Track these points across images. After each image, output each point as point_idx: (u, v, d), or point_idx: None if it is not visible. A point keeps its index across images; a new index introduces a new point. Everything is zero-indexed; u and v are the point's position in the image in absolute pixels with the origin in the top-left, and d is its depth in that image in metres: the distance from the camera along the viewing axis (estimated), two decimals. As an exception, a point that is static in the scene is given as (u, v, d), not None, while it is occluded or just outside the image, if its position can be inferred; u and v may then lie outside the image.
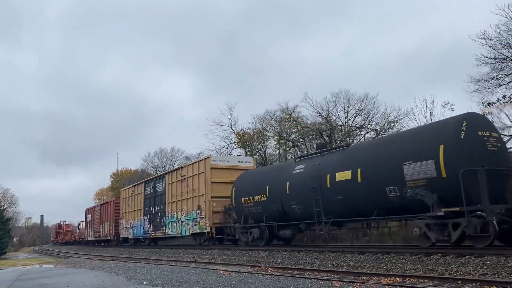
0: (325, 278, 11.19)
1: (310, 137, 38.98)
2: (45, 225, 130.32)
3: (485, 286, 8.64)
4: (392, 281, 10.09)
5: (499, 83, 23.52)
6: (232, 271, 13.95)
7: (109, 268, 18.22)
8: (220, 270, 14.65)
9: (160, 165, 63.18)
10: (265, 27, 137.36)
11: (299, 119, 40.02)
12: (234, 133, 44.05)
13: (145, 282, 12.57)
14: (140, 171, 68.80)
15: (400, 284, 9.59)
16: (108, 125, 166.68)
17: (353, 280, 10.44)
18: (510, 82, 23.28)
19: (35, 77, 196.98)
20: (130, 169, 79.77)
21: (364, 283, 9.97)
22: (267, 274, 12.72)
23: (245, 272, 13.54)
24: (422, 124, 29.44)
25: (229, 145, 44.31)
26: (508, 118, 22.76)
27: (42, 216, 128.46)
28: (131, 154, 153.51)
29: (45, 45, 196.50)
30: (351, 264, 13.76)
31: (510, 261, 10.87)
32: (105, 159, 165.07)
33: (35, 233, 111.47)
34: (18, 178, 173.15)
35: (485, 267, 10.78)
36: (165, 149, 63.38)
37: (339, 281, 10.49)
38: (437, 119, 29.59)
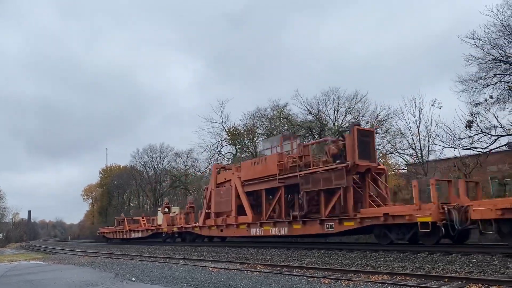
0: (314, 275, 11.24)
1: (300, 134, 39.03)
2: (32, 221, 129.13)
3: (471, 284, 8.75)
4: (380, 278, 10.17)
5: (486, 83, 23.78)
6: (221, 268, 13.96)
7: (97, 265, 18.12)
8: (209, 267, 14.64)
9: (149, 161, 62.79)
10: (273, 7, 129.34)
11: (290, 117, 40.07)
12: (225, 130, 44.00)
13: (133, 279, 12.52)
14: (129, 168, 68.34)
15: (387, 281, 9.67)
16: (101, 113, 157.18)
17: (341, 278, 10.49)
18: (497, 82, 23.55)
19: (21, 59, 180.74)
20: (119, 165, 79.19)
21: (352, 280, 10.03)
22: (256, 271, 12.74)
23: (234, 269, 13.55)
24: (411, 123, 29.69)
25: (220, 142, 44.27)
26: (496, 118, 23.03)
27: (29, 212, 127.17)
28: (120, 150, 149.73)
29: (34, 24, 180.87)
30: (340, 261, 13.84)
31: (495, 259, 11.05)
32: (94, 153, 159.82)
33: (22, 229, 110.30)
34: (3, 170, 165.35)
35: (471, 265, 10.93)
36: (154, 145, 62.94)
37: (327, 278, 10.55)
38: (426, 118, 29.88)
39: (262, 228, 20.73)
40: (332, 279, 10.43)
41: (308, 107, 37.84)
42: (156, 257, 20.96)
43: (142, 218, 39.20)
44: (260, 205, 22.07)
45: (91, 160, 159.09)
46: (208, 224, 25.21)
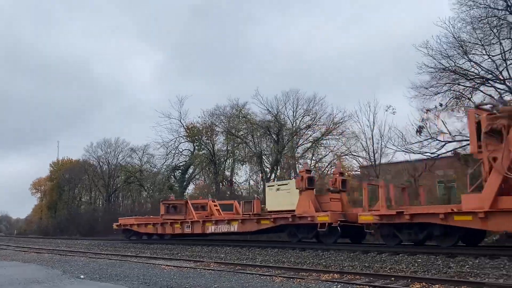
0: (267, 273, 11.36)
1: (258, 134, 39.33)
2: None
3: (416, 282, 9.15)
4: (330, 277, 10.43)
5: (437, 91, 24.90)
6: (173, 266, 13.82)
7: (44, 261, 17.43)
8: (161, 264, 14.46)
9: (103, 156, 61.01)
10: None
11: (249, 116, 40.26)
12: (183, 126, 43.57)
13: (82, 276, 12.16)
14: (82, 162, 66.15)
15: (337, 280, 9.93)
16: (53, 103, 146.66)
17: (293, 276, 10.67)
18: (447, 91, 24.73)
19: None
20: (71, 159, 76.35)
21: (303, 279, 10.22)
22: (209, 269, 12.72)
23: (187, 267, 13.46)
24: (366, 127, 30.53)
25: (177, 138, 43.79)
26: (444, 124, 24.15)
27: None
28: (73, 143, 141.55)
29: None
30: (292, 260, 14.07)
31: (439, 259, 11.63)
32: (45, 145, 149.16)
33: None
34: None
35: (416, 264, 11.45)
36: (109, 139, 61.14)
37: (280, 276, 10.70)
38: (379, 122, 30.85)
39: None
40: (284, 277, 10.59)
41: (267, 107, 38.21)
42: (107, 254, 20.43)
43: (213, 202, 25.35)
44: None
45: (41, 152, 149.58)
46: None
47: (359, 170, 33.82)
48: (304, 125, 38.36)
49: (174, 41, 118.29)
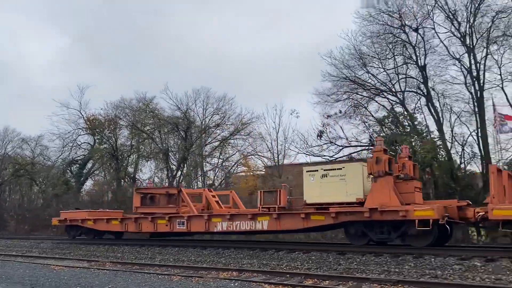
0: (165, 273, 11.18)
1: (166, 130, 38.50)
2: None
3: (308, 279, 9.66)
4: (229, 275, 10.57)
5: (337, 99, 26.52)
6: (65, 266, 12.98)
7: None
8: (51, 265, 13.49)
9: (-12, 145, 55.10)
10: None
11: (156, 111, 39.20)
12: (83, 118, 41.01)
13: (-46, 279, 10.89)
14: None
15: (236, 278, 10.10)
16: None
17: (192, 275, 10.63)
18: (346, 99, 26.47)
19: None
20: (-50, 147, 67.90)
21: (202, 277, 10.23)
22: (105, 269, 12.17)
23: (80, 267, 12.73)
24: (271, 128, 31.47)
25: (76, 130, 41.12)
26: (342, 130, 25.84)
27: None
28: None
29: None
30: (193, 258, 14.02)
31: (330, 256, 12.38)
32: None
33: None
34: None
35: (310, 262, 12.07)
36: (-4, 128, 55.40)
37: (178, 275, 10.59)
38: (284, 125, 32.06)
39: None
40: (182, 276, 10.51)
41: (177, 103, 37.60)
42: (-13, 254, 18.52)
43: (210, 191, 19.69)
44: None
45: None
46: None
47: (263, 169, 34.82)
48: (213, 123, 38.44)
49: (79, 27, 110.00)
